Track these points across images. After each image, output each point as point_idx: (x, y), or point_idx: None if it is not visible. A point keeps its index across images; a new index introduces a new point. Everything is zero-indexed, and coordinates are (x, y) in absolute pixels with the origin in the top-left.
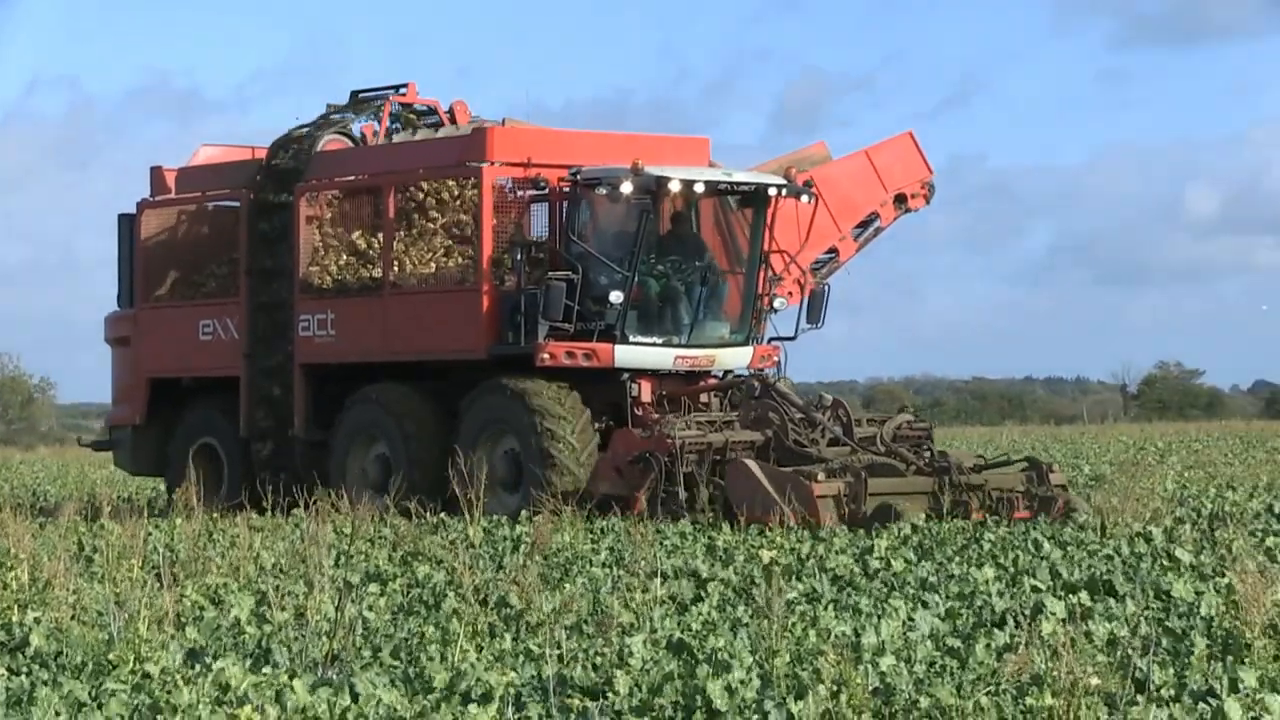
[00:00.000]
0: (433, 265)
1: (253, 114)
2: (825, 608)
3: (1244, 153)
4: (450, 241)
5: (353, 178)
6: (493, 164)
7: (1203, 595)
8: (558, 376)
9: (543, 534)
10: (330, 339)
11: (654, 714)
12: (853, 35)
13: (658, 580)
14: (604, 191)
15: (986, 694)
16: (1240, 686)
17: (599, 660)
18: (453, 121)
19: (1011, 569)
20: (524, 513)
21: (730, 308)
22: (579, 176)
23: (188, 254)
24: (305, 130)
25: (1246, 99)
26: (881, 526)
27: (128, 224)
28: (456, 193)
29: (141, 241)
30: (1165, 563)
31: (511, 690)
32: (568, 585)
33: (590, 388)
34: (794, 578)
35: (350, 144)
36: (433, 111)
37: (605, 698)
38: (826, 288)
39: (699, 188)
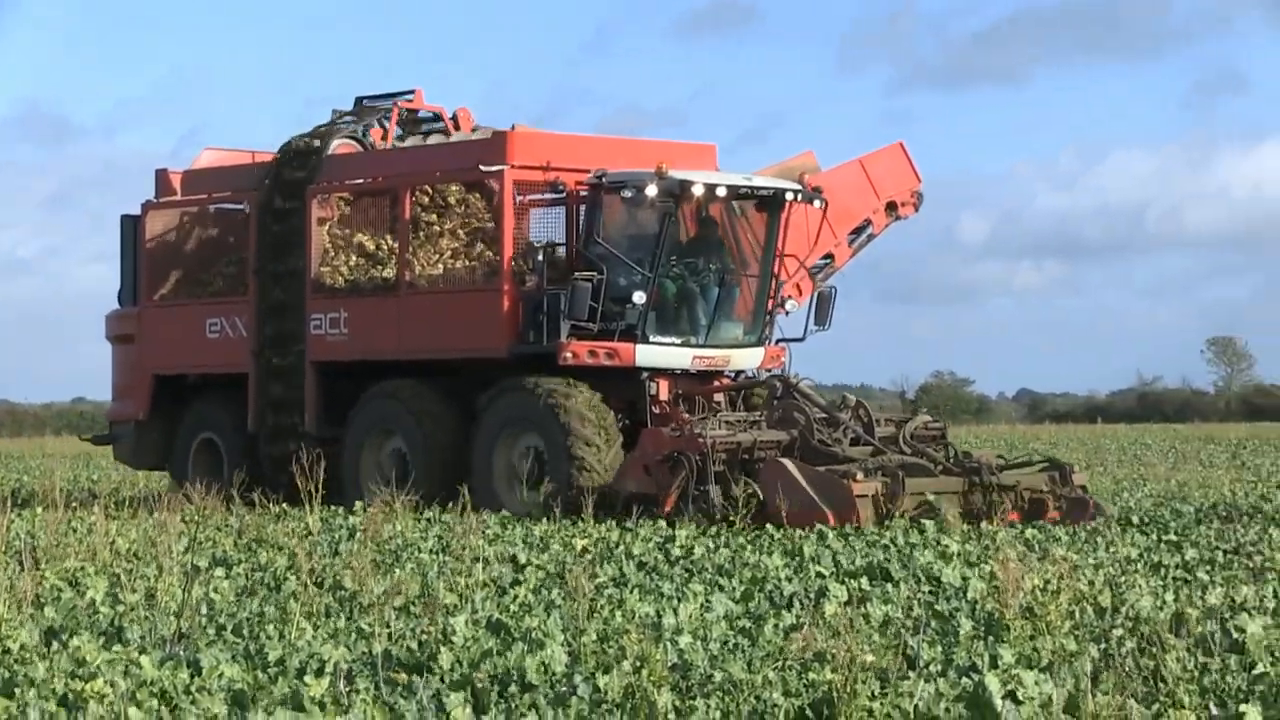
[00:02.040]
0: (440, 267)
1: (119, 140)
2: (631, 591)
3: (1009, 186)
4: (458, 244)
5: (366, 180)
6: (513, 167)
7: (969, 581)
8: (575, 375)
9: (374, 523)
10: (343, 337)
11: (473, 687)
12: (662, 75)
13: (480, 565)
14: (628, 195)
15: (774, 669)
16: (1000, 663)
17: (424, 638)
18: (457, 128)
19: (798, 557)
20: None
21: (744, 310)
22: (603, 180)
23: (193, 253)
24: (315, 135)
25: (1012, 139)
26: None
27: (131, 225)
28: (475, 195)
29: (146, 241)
30: (936, 551)
31: (343, 665)
32: (398, 570)
33: (606, 387)
34: (603, 563)
35: (359, 148)
36: (438, 117)
37: (429, 672)
38: (833, 291)
39: (721, 192)
